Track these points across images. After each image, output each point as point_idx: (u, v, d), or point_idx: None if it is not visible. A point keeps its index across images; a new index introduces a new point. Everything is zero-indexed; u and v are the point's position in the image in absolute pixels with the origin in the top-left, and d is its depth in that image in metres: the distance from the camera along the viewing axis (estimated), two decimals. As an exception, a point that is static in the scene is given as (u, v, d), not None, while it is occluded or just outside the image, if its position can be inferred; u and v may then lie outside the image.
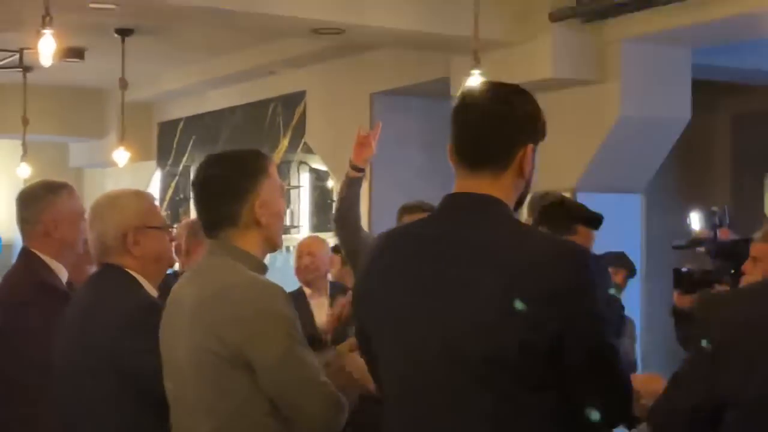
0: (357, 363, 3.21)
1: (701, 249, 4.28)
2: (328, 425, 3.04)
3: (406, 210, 5.88)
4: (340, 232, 5.54)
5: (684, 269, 4.19)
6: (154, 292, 3.52)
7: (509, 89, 2.61)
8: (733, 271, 4.00)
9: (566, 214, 4.28)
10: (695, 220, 4.37)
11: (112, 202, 3.55)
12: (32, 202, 4.32)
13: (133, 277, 3.48)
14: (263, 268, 3.17)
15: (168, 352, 3.18)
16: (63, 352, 3.55)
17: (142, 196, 3.65)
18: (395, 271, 2.56)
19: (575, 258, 2.44)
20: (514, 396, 2.38)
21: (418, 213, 5.80)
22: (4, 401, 4.22)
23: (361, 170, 5.38)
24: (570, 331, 2.36)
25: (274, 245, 3.20)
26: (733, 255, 4.07)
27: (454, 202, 2.56)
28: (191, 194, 3.30)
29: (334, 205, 5.60)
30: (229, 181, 3.12)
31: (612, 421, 2.56)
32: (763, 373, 2.33)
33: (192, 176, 3.26)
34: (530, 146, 2.54)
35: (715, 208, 4.37)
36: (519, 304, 2.34)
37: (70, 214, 4.25)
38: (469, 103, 2.58)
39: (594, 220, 4.30)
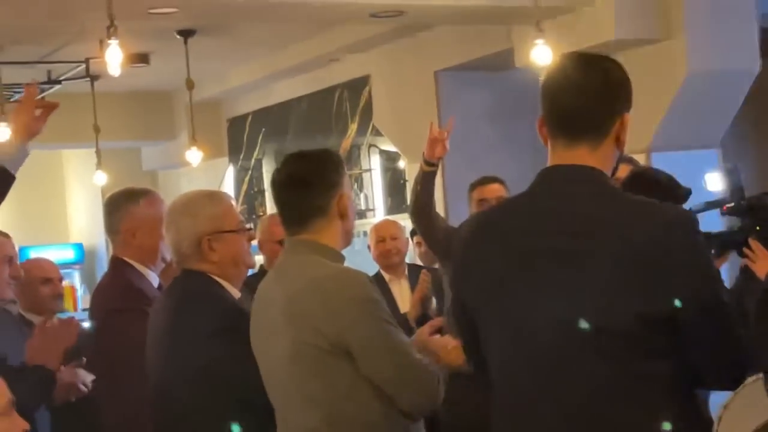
0: (441, 342, 3.28)
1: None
2: (429, 399, 3.12)
3: (476, 185, 5.93)
4: (420, 224, 5.59)
5: (713, 232, 4.12)
6: (237, 294, 3.57)
7: (600, 58, 2.65)
8: (758, 228, 3.95)
9: (653, 188, 4.17)
10: (712, 181, 4.26)
11: (184, 208, 3.58)
12: (113, 211, 4.40)
13: (215, 281, 3.52)
14: (343, 259, 3.24)
15: (264, 352, 3.23)
16: (153, 361, 3.61)
17: (217, 199, 3.67)
18: (500, 247, 2.57)
19: (685, 222, 2.46)
20: (629, 365, 2.39)
21: (490, 184, 5.86)
22: (106, 407, 4.31)
23: (435, 165, 5.43)
24: (687, 296, 2.36)
25: (349, 239, 3.32)
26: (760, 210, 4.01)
27: (556, 174, 2.57)
28: (272, 191, 3.36)
29: (410, 199, 5.64)
30: (319, 173, 3.26)
31: (728, 384, 2.57)
32: None
33: (272, 176, 3.33)
34: (626, 115, 2.58)
35: (730, 165, 4.28)
36: (633, 273, 2.36)
37: (148, 222, 4.30)
38: (563, 75, 2.58)
39: (683, 196, 4.14)
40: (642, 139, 7.83)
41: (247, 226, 3.77)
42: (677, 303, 2.36)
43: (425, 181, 5.51)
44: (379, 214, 11.02)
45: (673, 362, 2.41)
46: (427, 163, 5.50)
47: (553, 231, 2.48)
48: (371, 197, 11.24)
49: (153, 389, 3.60)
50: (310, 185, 3.24)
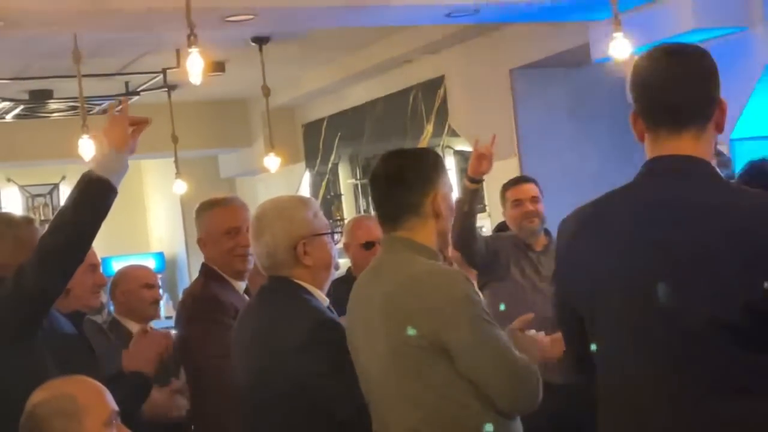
0: (533, 339, 3.27)
1: None
2: (529, 397, 3.10)
3: (510, 186, 5.95)
4: (466, 245, 5.60)
5: None
6: (325, 300, 3.57)
7: (691, 47, 2.65)
8: None
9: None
10: None
11: (278, 213, 3.59)
12: (195, 220, 4.47)
13: (306, 290, 3.53)
14: (438, 257, 3.23)
15: (362, 351, 3.24)
16: (243, 372, 3.62)
17: (307, 204, 3.70)
18: (610, 239, 2.55)
19: None
20: (736, 358, 2.36)
21: (524, 184, 5.88)
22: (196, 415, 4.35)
23: (480, 182, 5.43)
24: None
25: (446, 240, 3.32)
26: None
27: (664, 165, 2.56)
28: (369, 188, 3.39)
29: (456, 219, 5.60)
30: (415, 170, 3.27)
31: None
32: None
33: (371, 172, 3.34)
34: (724, 101, 2.59)
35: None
36: (748, 263, 2.35)
37: (215, 231, 4.37)
38: (660, 67, 2.57)
39: None
40: (726, 129, 7.72)
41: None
42: None
43: (472, 200, 5.52)
44: (454, 216, 11.00)
45: None
46: (472, 180, 5.49)
47: (666, 221, 2.47)
48: (448, 198, 11.22)
49: (244, 404, 3.61)
50: (404, 182, 3.26)
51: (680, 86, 2.55)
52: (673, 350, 2.42)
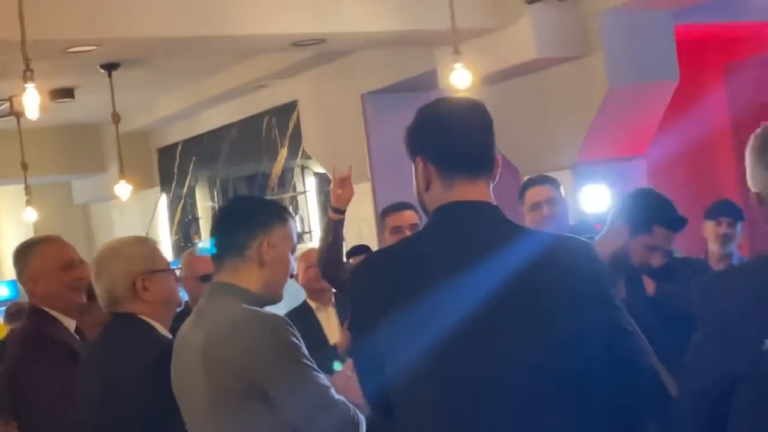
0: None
1: None
2: None
3: (389, 212, 5.91)
4: (332, 275, 5.55)
5: None
6: (168, 335, 3.58)
7: (475, 100, 2.75)
8: None
9: (646, 211, 4.17)
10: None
11: (115, 252, 3.62)
12: (15, 264, 4.42)
13: (148, 323, 3.54)
14: (260, 303, 3.23)
15: (184, 396, 3.24)
16: (85, 409, 3.59)
17: (145, 242, 3.74)
18: (424, 283, 2.56)
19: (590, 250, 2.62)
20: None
21: (403, 211, 5.84)
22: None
23: (343, 212, 5.41)
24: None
25: (273, 293, 3.30)
26: None
27: (461, 211, 2.62)
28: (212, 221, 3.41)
29: (320, 249, 5.59)
30: (249, 212, 3.30)
31: None
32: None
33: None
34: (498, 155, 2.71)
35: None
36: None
37: (49, 266, 4.32)
38: (456, 116, 2.67)
39: (675, 222, 4.09)
40: (567, 154, 7.92)
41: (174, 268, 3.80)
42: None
43: (336, 230, 5.50)
44: (315, 236, 11.03)
45: None
46: (336, 210, 5.48)
47: (465, 266, 2.52)
48: (307, 219, 11.25)
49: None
50: (234, 219, 3.28)
51: (475, 136, 2.65)
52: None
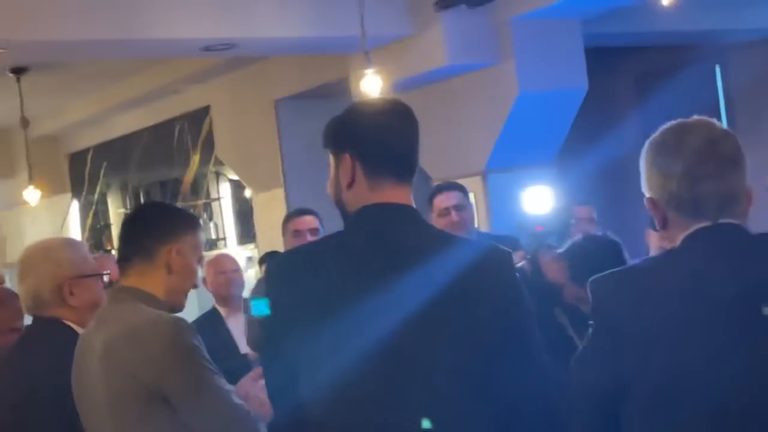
0: (261, 388, 3.25)
1: None
2: None
3: (291, 217, 5.91)
4: None
5: None
6: None
7: (400, 101, 2.75)
8: None
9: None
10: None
11: (44, 254, 3.56)
12: None
13: (72, 329, 3.48)
14: (164, 308, 3.20)
15: (85, 399, 3.20)
16: (5, 409, 3.53)
17: (75, 245, 3.69)
18: (349, 287, 2.55)
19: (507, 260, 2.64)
20: None
21: (303, 216, 5.85)
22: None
23: None
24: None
25: (177, 300, 3.27)
26: None
27: (386, 213, 2.62)
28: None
29: None
30: (159, 217, 3.27)
31: None
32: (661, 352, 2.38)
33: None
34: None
35: None
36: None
37: None
38: (382, 118, 2.66)
39: None
40: (478, 160, 7.97)
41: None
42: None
43: None
44: (230, 243, 10.97)
45: None
46: None
47: (389, 268, 2.52)
48: (221, 226, 11.18)
49: None
50: (144, 223, 3.25)
51: (410, 141, 2.67)
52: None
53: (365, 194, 2.62)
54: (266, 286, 2.75)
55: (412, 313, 2.48)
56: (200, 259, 3.31)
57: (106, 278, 4.18)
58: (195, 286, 3.32)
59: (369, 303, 2.51)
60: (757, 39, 9.62)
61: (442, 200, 5.61)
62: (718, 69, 10.17)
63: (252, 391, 3.30)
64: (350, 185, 2.63)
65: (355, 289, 2.53)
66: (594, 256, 4.31)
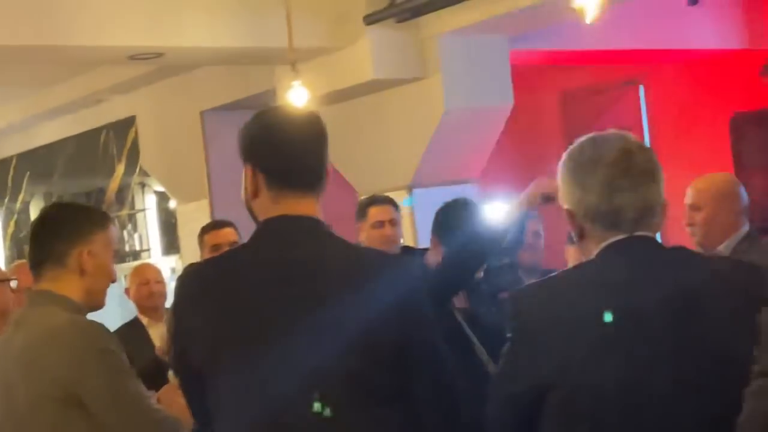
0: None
1: None
2: None
3: (209, 229, 5.86)
4: None
5: None
6: None
7: (310, 113, 2.72)
8: None
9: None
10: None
11: None
12: None
13: None
14: (83, 311, 3.18)
15: (2, 404, 3.16)
16: None
17: None
18: (237, 300, 2.54)
19: (410, 269, 2.65)
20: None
21: (222, 229, 5.81)
22: None
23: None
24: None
25: (95, 301, 3.24)
26: None
27: (287, 225, 2.59)
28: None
29: None
30: (68, 220, 3.23)
31: None
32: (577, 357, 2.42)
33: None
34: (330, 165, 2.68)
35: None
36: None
37: None
38: (282, 130, 2.62)
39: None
40: (404, 175, 8.00)
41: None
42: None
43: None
44: (154, 254, 10.88)
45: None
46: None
47: (298, 279, 2.51)
48: (146, 237, 11.10)
49: None
50: (52, 228, 3.22)
51: (310, 152, 2.62)
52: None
53: (269, 205, 2.61)
54: (173, 305, 2.72)
55: (302, 325, 2.47)
56: (116, 253, 3.29)
57: (13, 284, 4.15)
58: (113, 281, 3.29)
59: (261, 320, 2.50)
60: (680, 60, 9.77)
61: (378, 213, 5.59)
62: (641, 88, 10.30)
63: (175, 398, 3.28)
64: (255, 196, 2.62)
65: (245, 308, 2.52)
66: (451, 214, 4.36)
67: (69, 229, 3.21)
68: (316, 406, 2.43)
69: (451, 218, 4.35)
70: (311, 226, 2.60)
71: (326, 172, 2.65)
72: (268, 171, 2.61)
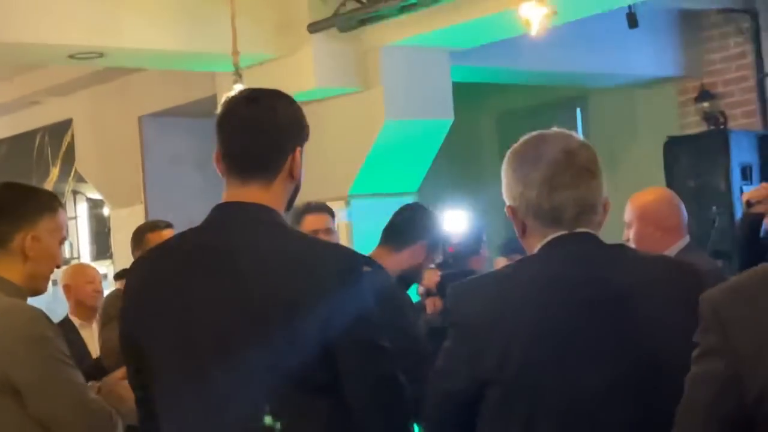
0: (124, 389, 3.18)
1: None
2: None
3: (146, 230, 5.82)
4: None
5: None
6: None
7: (271, 94, 2.65)
8: None
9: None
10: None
11: None
12: None
13: None
14: (23, 295, 3.12)
15: None
16: None
17: None
18: (175, 285, 2.52)
19: (356, 262, 2.57)
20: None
21: (160, 231, 5.77)
22: None
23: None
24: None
25: (37, 285, 3.17)
26: None
27: (227, 212, 2.57)
28: None
29: None
30: (12, 202, 3.13)
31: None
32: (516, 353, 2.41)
33: None
34: (298, 149, 2.61)
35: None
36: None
37: None
38: (233, 112, 2.60)
39: None
40: (342, 185, 7.99)
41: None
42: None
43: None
44: (84, 261, 10.78)
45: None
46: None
47: (224, 268, 2.48)
48: (76, 245, 10.99)
49: None
50: None
51: (245, 138, 2.57)
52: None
53: (225, 191, 2.61)
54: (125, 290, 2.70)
55: (219, 316, 2.45)
56: (62, 240, 3.22)
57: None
58: (58, 266, 3.23)
59: (202, 326, 2.47)
60: (617, 84, 9.88)
61: (313, 221, 5.56)
62: (578, 111, 10.40)
63: (115, 389, 3.23)
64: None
65: (173, 291, 2.51)
66: (406, 219, 4.41)
67: (13, 210, 3.12)
68: (267, 419, 2.40)
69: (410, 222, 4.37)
70: (251, 214, 2.54)
71: (285, 159, 2.58)
72: (222, 155, 2.61)
